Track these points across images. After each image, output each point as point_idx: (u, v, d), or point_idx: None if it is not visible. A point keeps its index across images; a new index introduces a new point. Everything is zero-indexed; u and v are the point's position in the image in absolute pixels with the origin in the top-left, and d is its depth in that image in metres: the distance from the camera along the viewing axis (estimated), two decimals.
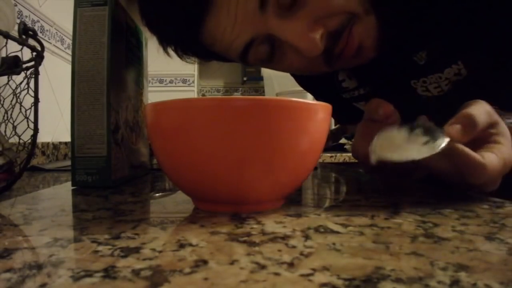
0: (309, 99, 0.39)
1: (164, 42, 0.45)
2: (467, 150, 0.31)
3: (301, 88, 0.75)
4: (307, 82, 0.68)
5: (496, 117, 0.34)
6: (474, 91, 0.38)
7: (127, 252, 0.19)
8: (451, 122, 0.32)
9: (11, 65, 0.42)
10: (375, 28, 0.40)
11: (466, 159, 0.31)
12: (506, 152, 0.33)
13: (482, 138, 0.34)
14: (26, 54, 0.41)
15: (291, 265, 0.18)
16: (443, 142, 0.30)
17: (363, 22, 0.39)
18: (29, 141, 0.39)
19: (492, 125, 0.34)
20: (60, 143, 1.04)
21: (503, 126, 0.34)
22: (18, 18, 0.87)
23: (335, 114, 0.71)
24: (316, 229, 0.24)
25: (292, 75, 0.65)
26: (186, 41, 0.44)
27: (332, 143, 1.72)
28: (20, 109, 0.40)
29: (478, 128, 0.32)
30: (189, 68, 2.06)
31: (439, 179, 0.35)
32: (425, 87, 0.49)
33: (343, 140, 1.69)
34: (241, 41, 0.40)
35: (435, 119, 0.35)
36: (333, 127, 1.50)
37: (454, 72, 0.45)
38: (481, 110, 0.33)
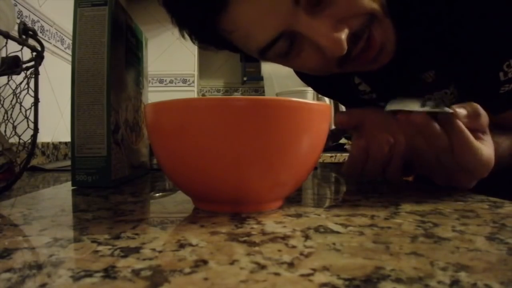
0: (309, 99, 0.40)
1: (180, 23, 0.44)
2: (467, 131, 0.33)
3: (301, 88, 0.75)
4: (315, 82, 0.67)
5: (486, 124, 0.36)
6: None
7: (127, 252, 0.19)
8: (458, 105, 0.34)
9: (11, 65, 0.42)
10: (392, 31, 0.40)
11: (465, 137, 0.33)
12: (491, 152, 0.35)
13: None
14: (26, 54, 0.41)
15: (291, 265, 0.18)
16: (449, 110, 0.33)
17: (382, 24, 0.39)
18: (29, 141, 0.39)
19: (484, 129, 0.36)
20: (60, 143, 1.04)
21: (489, 136, 0.36)
22: (18, 18, 0.87)
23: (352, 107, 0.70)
24: (316, 229, 0.24)
25: (298, 74, 0.65)
26: (204, 24, 0.42)
27: (332, 143, 1.72)
28: (20, 109, 0.40)
29: (479, 120, 0.34)
30: (189, 68, 2.06)
31: (424, 174, 0.38)
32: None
33: (343, 140, 1.69)
34: (269, 34, 0.39)
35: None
36: (333, 127, 1.50)
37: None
38: (483, 110, 0.35)
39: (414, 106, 0.34)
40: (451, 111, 0.33)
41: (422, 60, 0.48)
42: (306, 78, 0.67)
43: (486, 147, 0.35)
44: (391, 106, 0.34)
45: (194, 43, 0.47)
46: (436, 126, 0.34)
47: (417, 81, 0.49)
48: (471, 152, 0.34)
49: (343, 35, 0.37)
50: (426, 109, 0.33)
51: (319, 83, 0.67)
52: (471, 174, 0.36)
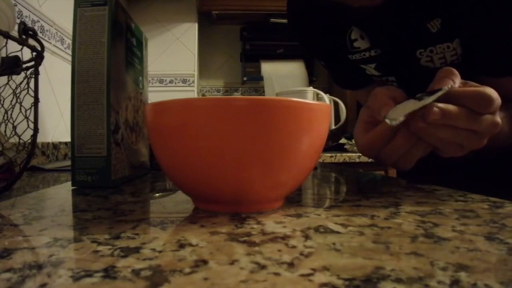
0: (309, 99, 0.39)
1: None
2: (466, 88, 0.34)
3: (301, 88, 0.74)
4: (314, 43, 0.66)
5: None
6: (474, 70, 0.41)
7: (127, 252, 0.19)
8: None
9: (11, 65, 0.42)
10: None
11: (471, 93, 0.34)
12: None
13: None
14: (26, 54, 0.41)
15: (291, 265, 0.18)
16: (446, 88, 0.35)
17: None
18: (29, 141, 0.39)
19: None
20: (60, 143, 1.04)
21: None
22: (18, 18, 0.87)
23: (339, 77, 0.73)
24: (316, 229, 0.24)
25: (299, 36, 0.65)
26: None
27: (332, 143, 1.72)
28: (20, 109, 0.40)
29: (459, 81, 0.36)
30: (189, 68, 2.06)
31: (436, 147, 0.37)
32: (430, 57, 0.49)
33: (343, 140, 1.69)
34: None
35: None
36: (333, 127, 1.50)
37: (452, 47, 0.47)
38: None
39: (413, 106, 0.34)
40: (447, 87, 0.34)
41: (428, 4, 0.46)
42: (305, 39, 0.67)
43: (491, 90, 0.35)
44: (392, 116, 0.34)
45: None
46: (451, 107, 0.34)
47: (422, 31, 0.47)
48: (485, 100, 0.34)
49: None
50: (429, 100, 0.33)
51: (315, 44, 0.66)
52: (483, 136, 0.36)
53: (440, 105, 0.34)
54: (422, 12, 0.47)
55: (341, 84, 0.71)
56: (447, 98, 0.34)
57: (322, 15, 0.58)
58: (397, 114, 0.34)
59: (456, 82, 0.35)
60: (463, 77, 0.37)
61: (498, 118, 0.35)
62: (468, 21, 0.45)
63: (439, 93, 0.34)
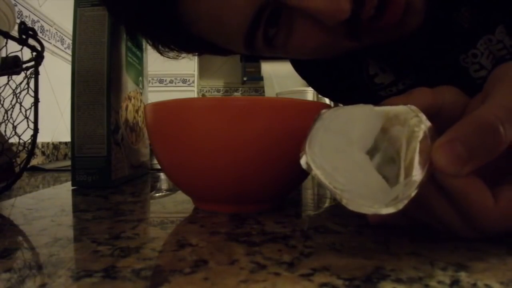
0: (309, 99, 0.39)
1: (136, 31, 0.36)
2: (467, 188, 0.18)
3: (301, 88, 0.72)
4: (318, 79, 0.54)
5: None
6: None
7: (127, 252, 0.19)
8: (442, 140, 0.18)
9: (11, 65, 0.42)
10: None
11: (465, 202, 0.18)
12: None
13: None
14: (26, 54, 0.41)
15: (291, 265, 0.18)
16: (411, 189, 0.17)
17: None
18: (29, 141, 0.39)
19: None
20: (60, 143, 1.04)
21: None
22: (18, 18, 0.87)
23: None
24: (316, 229, 0.24)
25: (299, 71, 0.54)
26: (161, 22, 0.33)
27: None
28: (20, 109, 0.40)
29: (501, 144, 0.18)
30: (189, 68, 2.06)
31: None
32: (478, 63, 0.36)
33: None
34: (243, 13, 0.30)
35: None
36: None
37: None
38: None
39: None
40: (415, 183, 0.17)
41: None
42: (308, 76, 0.55)
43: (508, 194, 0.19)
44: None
45: (161, 53, 0.39)
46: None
47: (452, 30, 0.35)
48: (484, 217, 0.19)
49: None
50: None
51: (323, 81, 0.53)
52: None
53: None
54: (445, 4, 0.35)
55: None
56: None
57: (329, 63, 0.47)
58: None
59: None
60: None
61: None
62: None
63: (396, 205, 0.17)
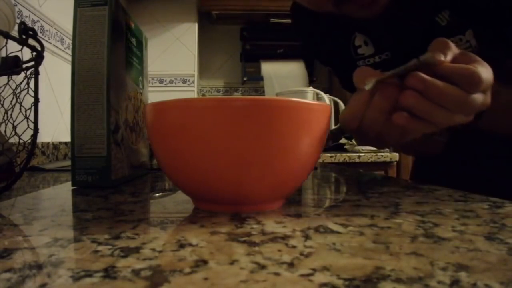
0: (309, 99, 0.39)
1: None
2: (455, 64, 0.32)
3: (301, 88, 0.75)
4: (320, 50, 0.67)
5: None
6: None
7: (127, 252, 0.19)
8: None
9: (11, 65, 0.42)
10: None
11: (458, 70, 0.31)
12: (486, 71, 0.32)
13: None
14: (26, 54, 0.41)
15: (291, 265, 0.18)
16: (418, 61, 0.33)
17: None
18: (29, 141, 0.39)
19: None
20: (60, 143, 1.04)
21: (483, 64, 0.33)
22: (18, 18, 0.87)
23: (347, 83, 0.71)
24: (316, 229, 0.24)
25: (307, 46, 0.66)
26: None
27: (332, 143, 1.72)
28: (20, 109, 0.40)
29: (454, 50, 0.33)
30: (189, 68, 2.06)
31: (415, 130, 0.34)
32: None
33: (343, 140, 1.69)
34: None
35: None
36: (333, 127, 1.50)
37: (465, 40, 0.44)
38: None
39: (388, 73, 0.33)
40: (421, 59, 0.32)
41: None
42: (308, 42, 0.67)
43: (480, 67, 0.32)
44: (370, 85, 0.33)
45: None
46: (436, 81, 0.32)
47: (431, 26, 0.45)
48: (473, 79, 0.31)
49: None
50: (400, 68, 0.33)
51: (320, 48, 0.66)
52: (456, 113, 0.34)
53: (423, 74, 0.32)
54: (429, 6, 0.45)
55: (349, 89, 0.70)
56: (435, 74, 0.32)
57: (326, 23, 0.58)
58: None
59: (448, 54, 0.33)
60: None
61: (481, 98, 0.33)
62: (478, 8, 0.43)
63: (411, 62, 0.33)
